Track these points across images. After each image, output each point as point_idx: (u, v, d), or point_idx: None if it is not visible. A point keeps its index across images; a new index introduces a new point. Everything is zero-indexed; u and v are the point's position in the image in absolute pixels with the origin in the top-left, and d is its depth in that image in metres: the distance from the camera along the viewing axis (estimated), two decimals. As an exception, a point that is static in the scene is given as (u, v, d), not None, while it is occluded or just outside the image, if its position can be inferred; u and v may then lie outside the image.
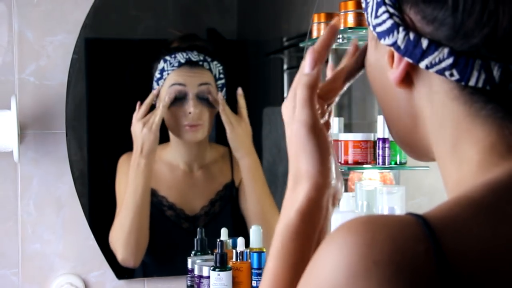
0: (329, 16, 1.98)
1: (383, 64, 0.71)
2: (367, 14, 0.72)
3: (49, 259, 2.01)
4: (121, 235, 2.00)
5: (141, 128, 1.99)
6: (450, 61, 0.64)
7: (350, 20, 1.84)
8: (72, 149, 2.02)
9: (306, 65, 0.79)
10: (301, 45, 2.13)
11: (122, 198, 2.04)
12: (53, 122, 2.00)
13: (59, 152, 2.00)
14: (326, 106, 0.82)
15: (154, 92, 2.02)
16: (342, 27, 1.87)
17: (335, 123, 2.00)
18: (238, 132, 2.05)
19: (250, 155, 2.07)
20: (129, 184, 2.00)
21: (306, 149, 0.76)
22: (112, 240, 2.02)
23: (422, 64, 0.65)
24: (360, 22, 1.84)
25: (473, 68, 0.63)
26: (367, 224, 0.58)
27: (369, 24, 0.71)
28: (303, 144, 0.76)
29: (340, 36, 1.92)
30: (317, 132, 0.76)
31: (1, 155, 1.95)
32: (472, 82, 0.64)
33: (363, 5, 0.73)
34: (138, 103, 2.02)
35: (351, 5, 1.84)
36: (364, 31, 1.88)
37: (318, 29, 2.00)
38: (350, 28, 1.85)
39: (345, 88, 0.83)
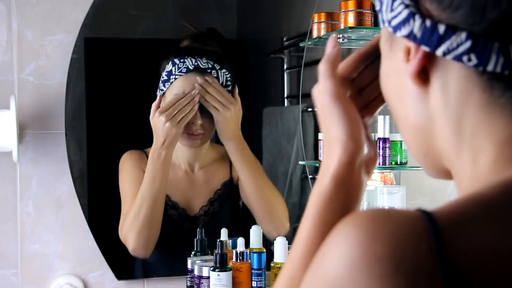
0: (329, 16, 1.97)
1: (399, 64, 0.70)
2: (381, 13, 0.71)
3: (48, 260, 2.01)
4: (135, 224, 1.98)
5: (164, 122, 1.97)
6: (468, 44, 0.63)
7: (351, 19, 1.84)
8: (71, 149, 2.01)
9: (327, 48, 0.82)
10: (301, 45, 2.12)
11: (127, 195, 2.03)
12: (52, 122, 1.99)
13: (59, 152, 2.00)
14: (351, 86, 0.83)
15: (186, 92, 1.99)
16: (342, 27, 1.87)
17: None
18: (225, 116, 2.01)
19: (235, 138, 2.04)
20: (146, 174, 1.99)
21: (333, 115, 0.77)
22: (124, 231, 2.00)
23: (439, 51, 0.65)
24: (360, 21, 1.84)
25: (491, 52, 0.62)
26: (371, 218, 0.58)
27: (384, 22, 0.71)
28: (329, 111, 0.78)
29: (340, 35, 1.91)
30: (341, 98, 0.78)
31: (0, 155, 1.95)
32: (490, 67, 0.63)
33: (377, 7, 0.73)
34: (159, 94, 2.01)
35: (351, 4, 1.84)
36: (364, 30, 1.88)
37: (318, 28, 2.00)
38: (350, 27, 1.84)
39: (361, 67, 0.84)
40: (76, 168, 2.03)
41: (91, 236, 2.02)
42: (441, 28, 0.64)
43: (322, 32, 1.98)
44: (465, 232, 0.57)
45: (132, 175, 2.04)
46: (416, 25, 0.66)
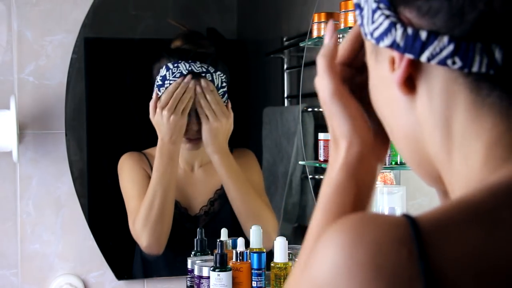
0: (329, 16, 1.97)
1: (385, 74, 0.70)
2: (363, 26, 0.72)
3: (48, 260, 2.01)
4: (147, 222, 1.98)
5: (168, 117, 1.97)
6: (451, 48, 0.63)
7: (351, 19, 1.83)
8: (71, 149, 2.01)
9: (325, 37, 0.81)
10: (301, 45, 2.12)
11: (130, 193, 2.03)
12: (52, 122, 1.99)
13: (59, 152, 2.00)
14: (354, 71, 0.82)
15: (179, 81, 1.99)
16: (342, 27, 1.87)
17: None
18: (213, 127, 2.01)
19: (221, 152, 2.03)
20: (155, 171, 1.99)
21: (335, 113, 0.78)
22: (136, 229, 2.00)
23: (423, 57, 0.65)
24: (360, 21, 1.83)
25: (474, 52, 0.63)
26: (355, 224, 0.59)
27: (366, 35, 0.71)
28: (330, 109, 0.79)
29: (341, 35, 1.91)
30: (341, 96, 0.78)
31: (0, 155, 1.95)
32: (475, 68, 0.63)
33: (359, 21, 0.73)
34: (155, 91, 2.01)
35: (351, 4, 1.84)
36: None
37: (318, 28, 2.00)
38: (350, 27, 1.84)
39: (358, 49, 0.83)
40: (76, 168, 2.03)
41: (91, 236, 2.02)
42: (423, 35, 0.64)
43: (322, 32, 1.98)
44: (449, 237, 0.58)
45: (133, 174, 2.05)
46: (398, 34, 0.66)
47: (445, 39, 0.63)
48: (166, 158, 1.98)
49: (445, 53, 0.64)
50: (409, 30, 0.65)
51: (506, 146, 0.64)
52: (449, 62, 0.64)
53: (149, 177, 2.04)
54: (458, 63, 0.63)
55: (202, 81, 2.00)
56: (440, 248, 0.57)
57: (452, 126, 0.67)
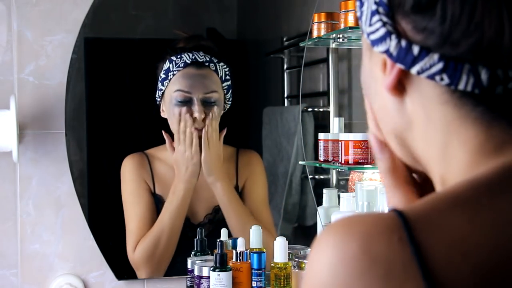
0: (329, 16, 1.97)
1: (377, 72, 0.73)
2: (361, 22, 0.74)
3: (48, 260, 2.01)
4: (152, 257, 2.01)
5: (183, 152, 2.00)
6: (440, 66, 0.66)
7: (351, 19, 1.83)
8: (71, 149, 2.01)
9: (374, 149, 0.80)
10: (301, 45, 2.12)
11: (131, 213, 2.04)
12: (52, 122, 1.99)
13: (59, 152, 2.00)
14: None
15: (183, 114, 2.00)
16: (342, 27, 1.87)
17: (335, 123, 1.99)
18: (212, 156, 2.02)
19: (223, 179, 2.05)
20: (166, 206, 2.02)
21: None
22: (138, 260, 2.02)
23: (414, 70, 0.68)
24: (360, 21, 1.83)
25: (462, 73, 0.66)
26: (344, 224, 0.62)
27: (363, 32, 0.74)
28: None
29: (340, 35, 1.91)
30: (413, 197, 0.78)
31: (0, 155, 1.95)
32: (461, 86, 0.66)
33: (358, 14, 0.75)
34: (164, 133, 2.02)
35: (351, 4, 1.84)
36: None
37: (318, 28, 1.99)
38: (350, 27, 1.84)
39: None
40: (76, 168, 2.03)
41: (91, 236, 2.02)
42: (415, 49, 0.67)
43: (322, 32, 1.98)
44: (434, 224, 0.61)
45: (134, 188, 2.04)
46: (392, 44, 0.69)
47: (436, 56, 0.66)
48: (177, 197, 2.00)
49: (434, 69, 0.67)
50: (403, 43, 0.68)
51: (487, 152, 0.68)
52: (437, 78, 0.67)
53: (150, 191, 2.04)
54: (446, 80, 0.67)
55: (214, 109, 2.00)
56: (428, 233, 0.60)
57: (437, 134, 0.70)
